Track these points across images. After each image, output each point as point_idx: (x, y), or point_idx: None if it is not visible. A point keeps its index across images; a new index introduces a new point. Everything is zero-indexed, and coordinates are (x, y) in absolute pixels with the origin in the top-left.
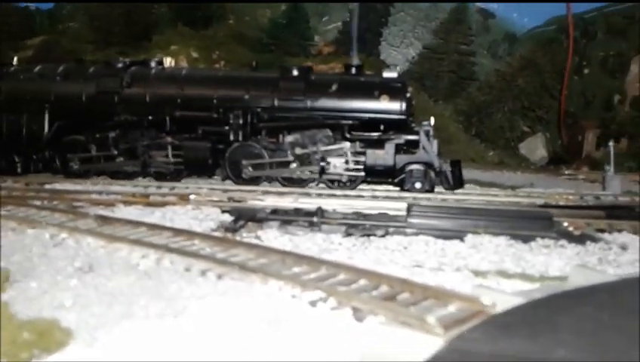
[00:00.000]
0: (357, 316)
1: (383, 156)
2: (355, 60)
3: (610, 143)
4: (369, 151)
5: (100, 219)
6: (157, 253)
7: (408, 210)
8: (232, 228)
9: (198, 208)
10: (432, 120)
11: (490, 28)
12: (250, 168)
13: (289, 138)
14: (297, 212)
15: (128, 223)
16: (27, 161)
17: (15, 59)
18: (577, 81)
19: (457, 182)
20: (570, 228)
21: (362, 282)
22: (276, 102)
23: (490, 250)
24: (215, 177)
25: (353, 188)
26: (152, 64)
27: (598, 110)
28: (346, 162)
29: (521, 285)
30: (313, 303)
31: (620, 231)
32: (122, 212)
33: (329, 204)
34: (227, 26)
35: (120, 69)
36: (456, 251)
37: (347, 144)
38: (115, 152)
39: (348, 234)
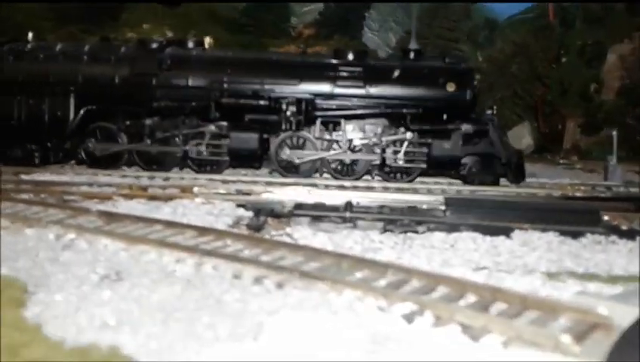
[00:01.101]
0: (470, 334)
1: (450, 147)
2: (414, 44)
3: (614, 133)
4: (435, 142)
5: (105, 215)
6: (193, 257)
7: (447, 203)
8: (256, 226)
9: (208, 202)
10: (495, 109)
11: (470, 14)
12: (297, 159)
13: (347, 127)
14: (325, 206)
15: (139, 220)
16: (46, 150)
17: (30, 35)
18: (555, 69)
19: (521, 175)
20: (615, 222)
21: (443, 289)
22: (333, 90)
23: (543, 247)
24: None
25: (411, 181)
26: (190, 44)
27: (575, 99)
28: (408, 153)
29: (605, 288)
30: (409, 318)
31: None
32: (124, 207)
33: (344, 196)
34: (200, 5)
35: (156, 50)
36: (509, 249)
37: (409, 134)
38: (149, 141)
39: (386, 231)
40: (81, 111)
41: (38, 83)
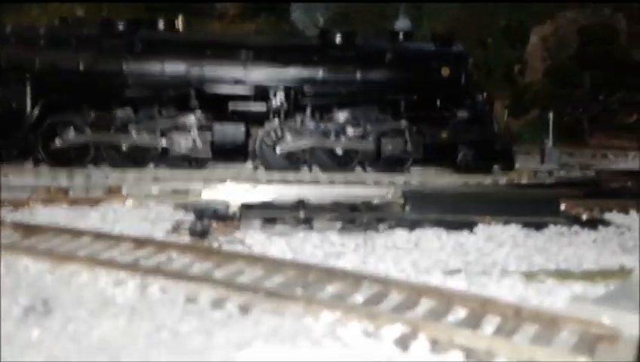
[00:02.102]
0: (476, 360)
1: (446, 135)
2: (403, 24)
3: (550, 114)
4: (430, 130)
5: (21, 228)
6: (134, 277)
7: (405, 198)
8: (200, 231)
9: (141, 205)
10: (485, 94)
11: None
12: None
13: (340, 116)
14: (275, 206)
15: (63, 232)
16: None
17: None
18: (480, 51)
19: (511, 162)
20: (573, 211)
21: (428, 303)
22: (322, 75)
23: (508, 242)
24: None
25: (404, 171)
26: (161, 25)
27: (500, 80)
28: (404, 142)
29: (587, 287)
30: (401, 344)
31: (610, 210)
32: (43, 215)
33: (290, 192)
34: None
35: (124, 32)
36: (476, 247)
37: (404, 122)
38: (123, 135)
39: (344, 231)
40: (39, 103)
41: None
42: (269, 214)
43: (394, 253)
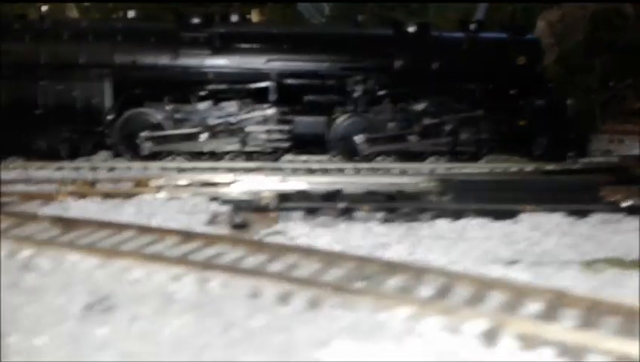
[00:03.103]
0: (571, 356)
1: (523, 123)
2: (481, 14)
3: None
4: (506, 119)
5: (59, 222)
6: (190, 272)
7: (445, 187)
8: (239, 223)
9: (174, 197)
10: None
11: None
12: (365, 144)
13: (417, 106)
14: (312, 196)
15: (103, 226)
16: (76, 141)
17: (44, 8)
18: None
19: (584, 150)
20: (612, 198)
21: (499, 296)
22: (398, 65)
23: (555, 231)
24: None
25: (478, 160)
26: (234, 18)
27: None
28: (480, 132)
29: None
30: (487, 339)
31: None
32: (76, 209)
33: (320, 182)
34: None
35: (200, 26)
36: (523, 236)
37: (480, 111)
38: (199, 129)
39: (386, 221)
40: (120, 98)
41: (66, 66)
42: (308, 205)
43: (441, 244)
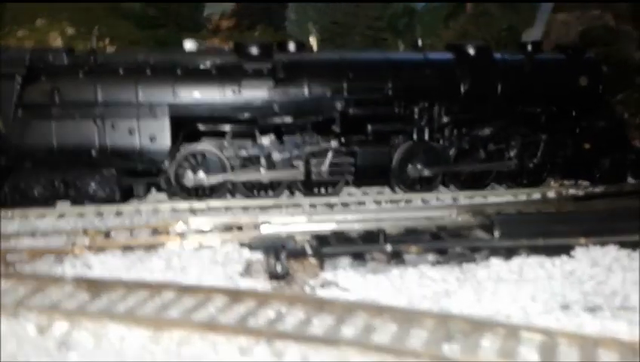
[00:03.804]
0: None
1: (588, 145)
2: (538, 33)
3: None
4: (570, 142)
5: (85, 284)
6: (258, 343)
7: (493, 223)
8: (280, 273)
9: (203, 246)
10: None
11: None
12: (425, 172)
13: (483, 132)
14: (352, 238)
15: (139, 287)
16: (130, 183)
17: (94, 40)
18: None
19: None
20: None
21: (608, 355)
22: (463, 90)
23: (615, 266)
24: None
25: (537, 186)
26: (291, 47)
27: None
28: (544, 155)
29: None
30: None
31: None
32: (97, 265)
33: (351, 220)
34: None
35: (261, 56)
36: (586, 274)
37: (544, 135)
38: (265, 164)
39: (438, 263)
40: (180, 135)
41: (123, 103)
42: (351, 249)
43: (503, 288)
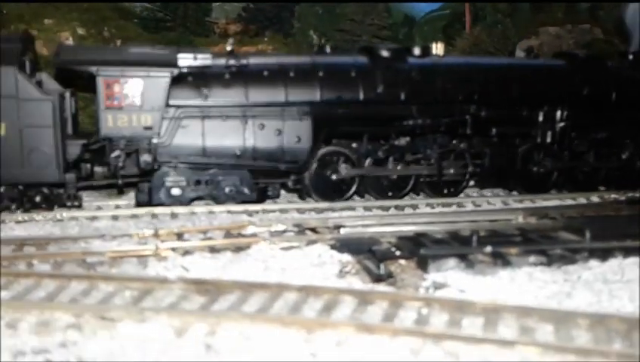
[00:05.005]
0: None
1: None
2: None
3: None
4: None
5: (194, 286)
6: (411, 341)
7: (585, 224)
8: (383, 275)
9: (292, 246)
10: None
11: (390, 10)
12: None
13: (598, 135)
14: (445, 239)
15: (254, 287)
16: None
17: (230, 41)
18: None
19: None
20: None
21: None
22: (584, 94)
23: None
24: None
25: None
26: (416, 51)
27: None
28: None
29: None
30: None
31: None
32: (192, 265)
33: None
34: None
35: (392, 59)
36: None
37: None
38: (397, 165)
39: (541, 264)
40: (320, 136)
41: (272, 104)
42: (455, 250)
43: (614, 287)
